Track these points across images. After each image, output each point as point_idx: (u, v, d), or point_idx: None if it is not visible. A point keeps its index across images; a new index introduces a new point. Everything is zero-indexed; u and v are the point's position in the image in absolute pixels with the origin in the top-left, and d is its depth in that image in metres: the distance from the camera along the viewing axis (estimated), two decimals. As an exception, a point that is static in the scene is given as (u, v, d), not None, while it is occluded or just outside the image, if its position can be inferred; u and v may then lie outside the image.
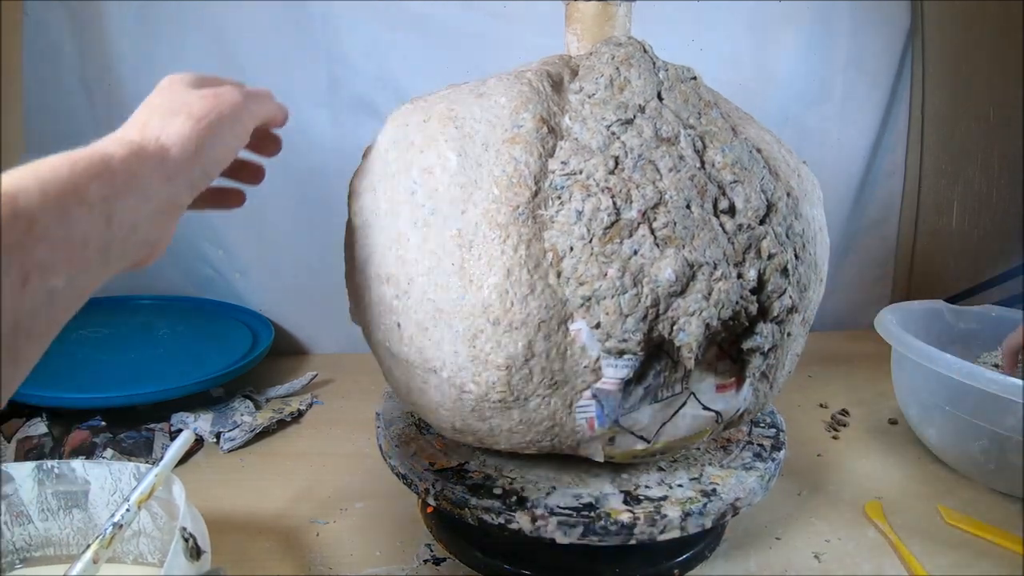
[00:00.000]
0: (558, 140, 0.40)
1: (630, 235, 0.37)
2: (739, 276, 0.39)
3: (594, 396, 0.39)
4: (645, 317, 0.37)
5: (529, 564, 0.47)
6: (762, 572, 0.48)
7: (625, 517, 0.42)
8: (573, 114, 0.41)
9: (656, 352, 0.39)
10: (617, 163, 0.39)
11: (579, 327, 0.38)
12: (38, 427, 0.60)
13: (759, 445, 0.51)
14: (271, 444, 0.65)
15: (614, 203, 0.37)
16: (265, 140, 0.42)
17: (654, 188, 0.38)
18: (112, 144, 0.28)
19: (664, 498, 0.44)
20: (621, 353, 0.38)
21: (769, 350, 0.41)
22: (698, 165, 0.40)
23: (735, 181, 0.40)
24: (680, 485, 0.45)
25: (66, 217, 0.24)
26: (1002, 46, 0.83)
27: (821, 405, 0.76)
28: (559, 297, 0.38)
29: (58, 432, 0.61)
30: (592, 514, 0.42)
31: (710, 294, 0.38)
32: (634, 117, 0.41)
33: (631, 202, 0.38)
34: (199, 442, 0.63)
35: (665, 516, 0.42)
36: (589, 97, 0.42)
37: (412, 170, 0.41)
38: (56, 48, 0.77)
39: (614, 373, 0.38)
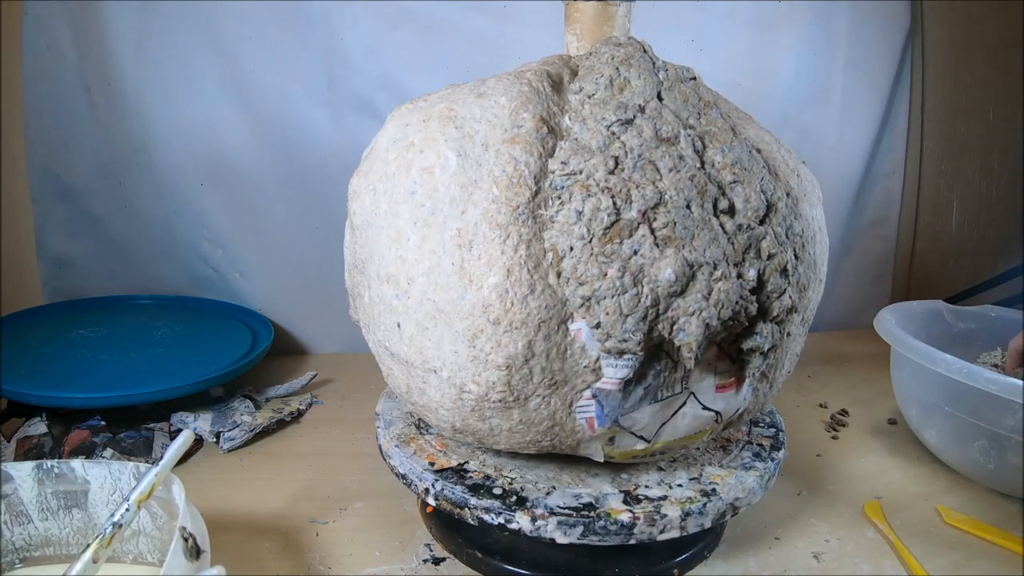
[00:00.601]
0: (558, 140, 0.40)
1: (630, 235, 0.37)
2: (739, 276, 0.39)
3: (594, 396, 0.39)
4: (645, 317, 0.37)
5: (529, 564, 0.47)
6: (762, 572, 0.48)
7: (625, 517, 0.42)
8: (573, 114, 0.41)
9: (656, 352, 0.39)
10: (617, 163, 0.39)
11: (579, 327, 0.38)
12: (38, 427, 0.60)
13: (759, 445, 0.51)
14: (271, 444, 0.65)
15: (614, 203, 0.38)
16: None
17: (654, 188, 0.38)
18: None
19: (664, 498, 0.44)
20: (621, 353, 0.38)
21: (769, 350, 0.41)
22: (698, 165, 0.40)
23: (735, 181, 0.40)
24: (680, 485, 0.45)
25: None
26: (1002, 46, 0.84)
27: (821, 405, 0.76)
28: (559, 297, 0.38)
29: (58, 432, 0.61)
30: (592, 514, 0.42)
31: (710, 294, 0.38)
32: (634, 117, 0.41)
33: (631, 202, 0.38)
34: (199, 442, 0.63)
35: (665, 516, 0.42)
36: (589, 97, 0.42)
37: (412, 170, 0.41)
38: (56, 48, 0.77)
39: (614, 373, 0.39)
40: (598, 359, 0.38)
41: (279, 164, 0.82)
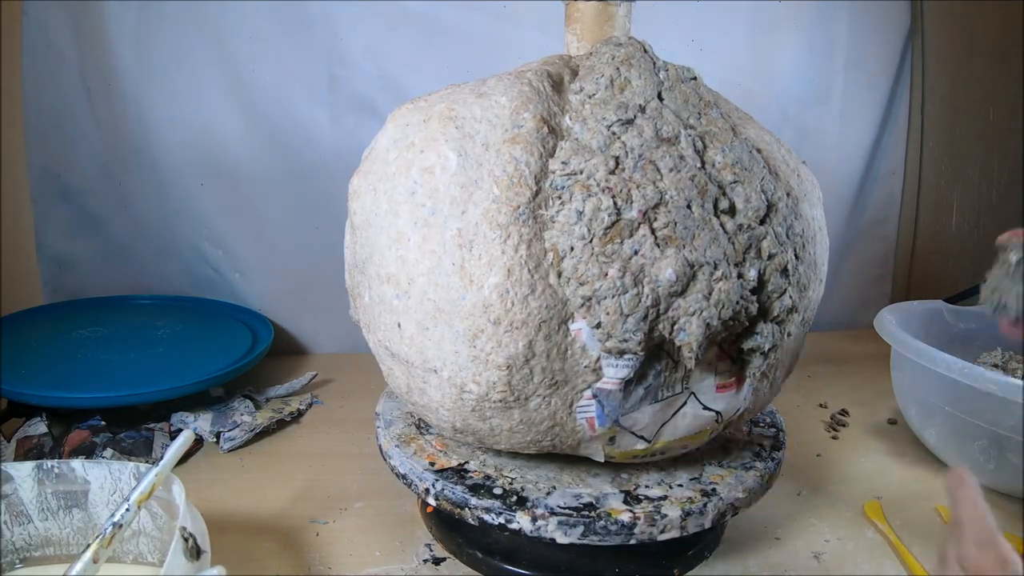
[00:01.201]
0: (558, 140, 0.40)
1: (631, 235, 0.37)
2: (739, 276, 0.39)
3: (594, 396, 0.39)
4: (646, 317, 0.37)
5: (529, 564, 0.47)
6: (762, 572, 0.48)
7: (625, 517, 0.42)
8: (573, 114, 0.41)
9: (656, 352, 0.39)
10: (618, 163, 0.39)
11: (579, 327, 0.38)
12: (38, 427, 0.60)
13: (759, 445, 0.51)
14: (271, 444, 0.65)
15: (615, 203, 0.37)
16: None
17: (654, 188, 0.38)
18: None
19: (664, 498, 0.44)
20: (621, 353, 0.38)
21: (769, 350, 0.41)
22: (698, 165, 0.40)
23: (735, 181, 0.40)
24: (680, 485, 0.45)
25: None
26: (1002, 46, 0.83)
27: (821, 405, 0.76)
28: (560, 297, 0.38)
29: (58, 432, 0.61)
30: (592, 514, 0.42)
31: (710, 294, 0.38)
32: (634, 117, 0.41)
33: (632, 202, 0.38)
34: (199, 442, 0.63)
35: (665, 516, 0.42)
36: (589, 97, 0.42)
37: (412, 170, 0.41)
38: (56, 48, 0.77)
39: (614, 373, 0.38)
40: (599, 359, 0.38)
41: (279, 164, 0.82)
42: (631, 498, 0.44)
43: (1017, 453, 0.55)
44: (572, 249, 0.38)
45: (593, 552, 0.45)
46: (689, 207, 0.39)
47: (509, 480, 0.45)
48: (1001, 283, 0.50)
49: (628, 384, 0.39)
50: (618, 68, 0.42)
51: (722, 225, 0.39)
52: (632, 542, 0.42)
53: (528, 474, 0.46)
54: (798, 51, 0.91)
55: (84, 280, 0.84)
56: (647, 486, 0.45)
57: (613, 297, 0.37)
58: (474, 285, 0.38)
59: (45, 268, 0.83)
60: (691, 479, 0.46)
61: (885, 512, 0.55)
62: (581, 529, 0.41)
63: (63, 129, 0.79)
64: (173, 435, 0.63)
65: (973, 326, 0.74)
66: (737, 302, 0.38)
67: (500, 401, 0.39)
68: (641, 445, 0.43)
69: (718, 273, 0.38)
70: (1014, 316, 0.49)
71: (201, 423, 0.64)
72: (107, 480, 0.44)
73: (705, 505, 0.43)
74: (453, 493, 0.44)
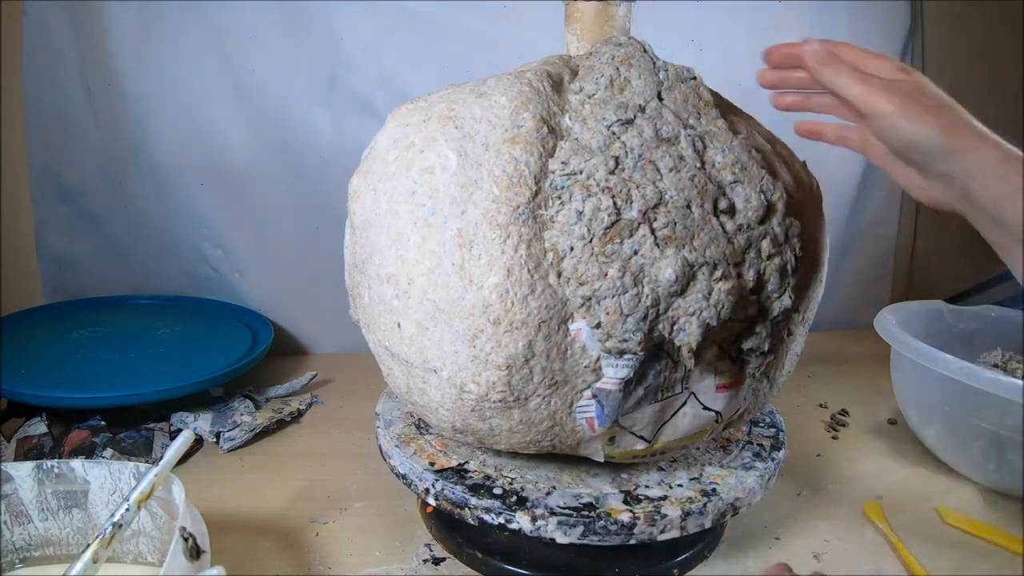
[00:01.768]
0: (558, 140, 0.40)
1: (630, 235, 0.37)
2: (739, 276, 0.39)
3: (594, 396, 0.39)
4: (645, 317, 0.37)
5: (529, 564, 0.47)
6: (761, 572, 0.48)
7: (625, 517, 0.42)
8: (573, 114, 0.41)
9: (656, 352, 0.39)
10: (617, 163, 0.39)
11: (579, 327, 0.38)
12: (38, 427, 0.60)
13: (759, 445, 0.51)
14: (271, 444, 0.65)
15: (614, 203, 0.38)
16: None
17: (654, 188, 0.38)
18: None
19: (664, 498, 0.44)
20: (621, 353, 0.38)
21: (769, 350, 0.41)
22: (698, 165, 0.40)
23: (735, 181, 0.40)
24: (680, 485, 0.45)
25: None
26: (1002, 46, 0.84)
27: (821, 405, 0.76)
28: (559, 297, 0.38)
29: (58, 432, 0.61)
30: (592, 514, 0.42)
31: (710, 294, 0.38)
32: (634, 117, 0.41)
33: (631, 202, 0.38)
34: (199, 442, 0.63)
35: (665, 516, 0.42)
36: (589, 97, 0.42)
37: (412, 170, 0.41)
38: (56, 48, 0.77)
39: (614, 373, 0.38)
40: (598, 359, 0.38)
41: (279, 164, 0.82)
42: (631, 498, 0.44)
43: (1017, 453, 0.55)
44: (572, 249, 0.38)
45: (593, 552, 0.45)
46: (689, 207, 0.39)
47: (509, 480, 0.45)
48: None
49: (628, 384, 0.39)
50: (618, 68, 0.42)
51: (722, 225, 0.39)
52: (632, 542, 0.42)
53: (528, 474, 0.46)
54: (798, 51, 0.91)
55: (84, 280, 0.84)
56: (647, 486, 0.45)
57: (613, 297, 0.37)
58: (474, 285, 0.38)
59: (45, 268, 0.83)
60: (691, 479, 0.46)
61: (885, 512, 0.55)
62: (581, 529, 0.41)
63: (63, 129, 0.79)
64: (173, 435, 0.63)
65: (973, 326, 0.74)
66: (737, 302, 0.38)
67: (500, 401, 0.39)
68: (641, 445, 0.43)
69: (718, 273, 0.38)
70: None
71: (201, 423, 0.64)
72: (107, 480, 0.44)
73: (705, 505, 0.43)
74: (453, 493, 0.44)
